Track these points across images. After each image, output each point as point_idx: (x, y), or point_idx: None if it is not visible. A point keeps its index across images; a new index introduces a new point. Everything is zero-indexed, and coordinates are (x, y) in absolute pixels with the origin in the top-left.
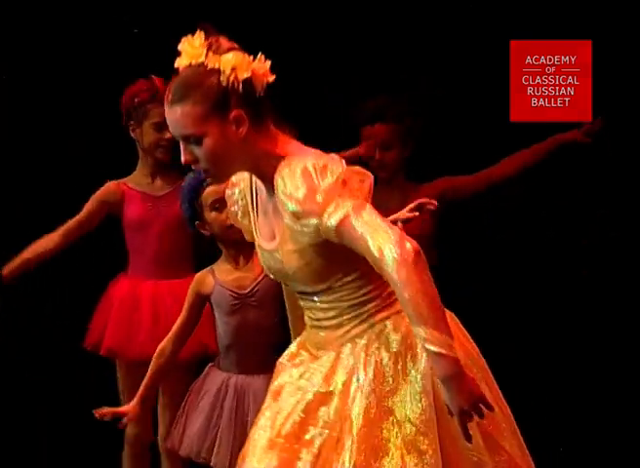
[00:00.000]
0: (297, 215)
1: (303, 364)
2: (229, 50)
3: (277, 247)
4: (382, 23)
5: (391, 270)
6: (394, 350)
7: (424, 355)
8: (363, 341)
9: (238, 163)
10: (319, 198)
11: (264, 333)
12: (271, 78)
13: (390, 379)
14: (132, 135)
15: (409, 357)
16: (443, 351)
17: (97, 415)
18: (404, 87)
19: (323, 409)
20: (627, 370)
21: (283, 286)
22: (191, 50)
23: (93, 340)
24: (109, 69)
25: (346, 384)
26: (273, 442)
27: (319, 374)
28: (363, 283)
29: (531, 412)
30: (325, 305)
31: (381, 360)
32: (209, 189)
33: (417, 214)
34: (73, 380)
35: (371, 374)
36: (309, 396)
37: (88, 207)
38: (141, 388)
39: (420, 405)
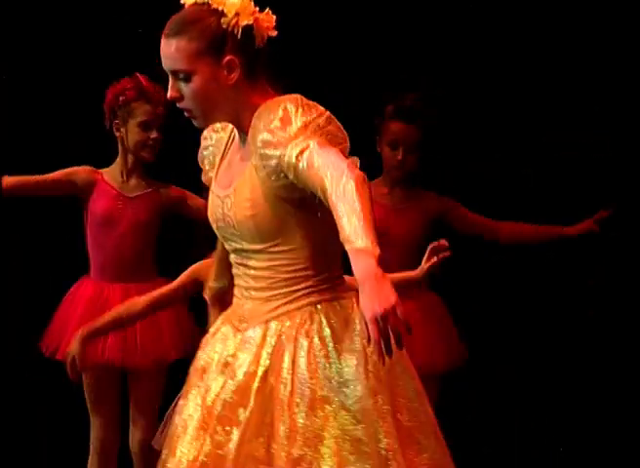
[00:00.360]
0: (264, 144)
1: (228, 338)
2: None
3: (231, 192)
4: (383, 23)
5: (337, 184)
6: (327, 335)
7: (357, 341)
8: (295, 321)
9: (221, 109)
10: (290, 131)
11: None
12: (274, 33)
13: (324, 366)
14: (116, 134)
15: (342, 343)
16: (364, 247)
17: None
18: (404, 87)
19: (252, 389)
20: (627, 371)
21: (218, 251)
22: None
23: (51, 344)
24: (109, 68)
25: (276, 367)
26: (205, 423)
27: (247, 353)
28: (300, 258)
29: (531, 412)
30: (258, 273)
31: (314, 345)
32: None
33: (434, 260)
34: (26, 385)
35: (304, 360)
36: (239, 376)
37: (55, 173)
38: (94, 325)
39: (355, 392)
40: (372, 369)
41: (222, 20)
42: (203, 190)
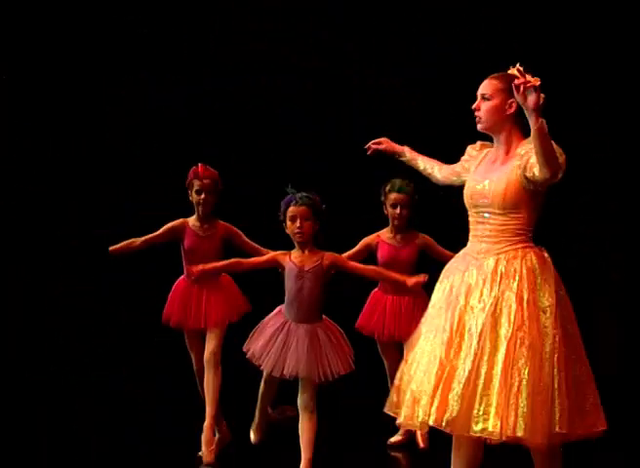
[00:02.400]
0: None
1: (470, 264)
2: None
3: (495, 179)
4: None
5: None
6: (535, 268)
7: (551, 277)
8: (517, 255)
9: (495, 125)
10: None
11: (312, 298)
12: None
13: (534, 286)
14: (190, 198)
15: (542, 274)
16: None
17: None
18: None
19: (491, 294)
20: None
21: None
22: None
23: (166, 318)
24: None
25: (505, 281)
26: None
27: (485, 273)
28: (523, 221)
29: None
30: (493, 227)
31: (528, 271)
32: (292, 207)
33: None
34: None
35: (525, 281)
36: (485, 288)
37: (163, 229)
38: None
39: (552, 298)
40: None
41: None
42: None
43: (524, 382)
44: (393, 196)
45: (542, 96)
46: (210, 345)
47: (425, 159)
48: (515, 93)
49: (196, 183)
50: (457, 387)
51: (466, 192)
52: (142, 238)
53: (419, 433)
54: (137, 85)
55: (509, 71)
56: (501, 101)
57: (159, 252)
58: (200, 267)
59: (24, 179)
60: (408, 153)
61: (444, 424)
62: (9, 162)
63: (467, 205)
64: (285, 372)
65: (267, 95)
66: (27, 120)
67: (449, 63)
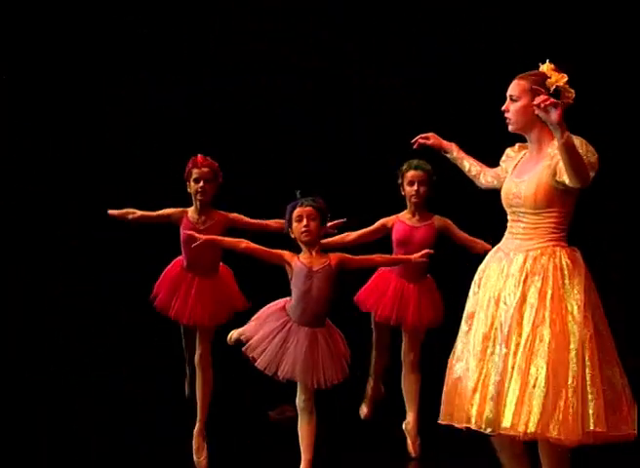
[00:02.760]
0: (552, 157)
1: (503, 259)
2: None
3: (526, 180)
4: None
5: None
6: (564, 266)
7: (581, 274)
8: (545, 252)
9: (524, 124)
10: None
11: (320, 300)
12: (569, 101)
13: (561, 284)
14: (188, 190)
15: (572, 274)
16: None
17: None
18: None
19: (520, 287)
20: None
21: None
22: (547, 67)
23: (155, 294)
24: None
25: (531, 277)
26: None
27: (515, 268)
28: (554, 221)
29: None
30: (527, 225)
31: (556, 269)
32: (298, 209)
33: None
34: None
35: (550, 278)
36: (515, 280)
37: (160, 212)
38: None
39: (580, 296)
40: (588, 299)
41: (547, 81)
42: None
43: (540, 378)
44: (410, 173)
45: (572, 91)
46: (199, 347)
47: (472, 161)
48: (537, 110)
49: (195, 172)
50: (492, 389)
51: (502, 193)
52: (141, 212)
53: (409, 441)
54: (137, 85)
55: (540, 69)
56: (529, 101)
57: (159, 251)
58: (202, 237)
59: (24, 179)
60: (455, 152)
61: (483, 426)
62: (9, 162)
63: (504, 204)
64: (279, 373)
65: (267, 95)
66: (27, 120)
67: (449, 63)
